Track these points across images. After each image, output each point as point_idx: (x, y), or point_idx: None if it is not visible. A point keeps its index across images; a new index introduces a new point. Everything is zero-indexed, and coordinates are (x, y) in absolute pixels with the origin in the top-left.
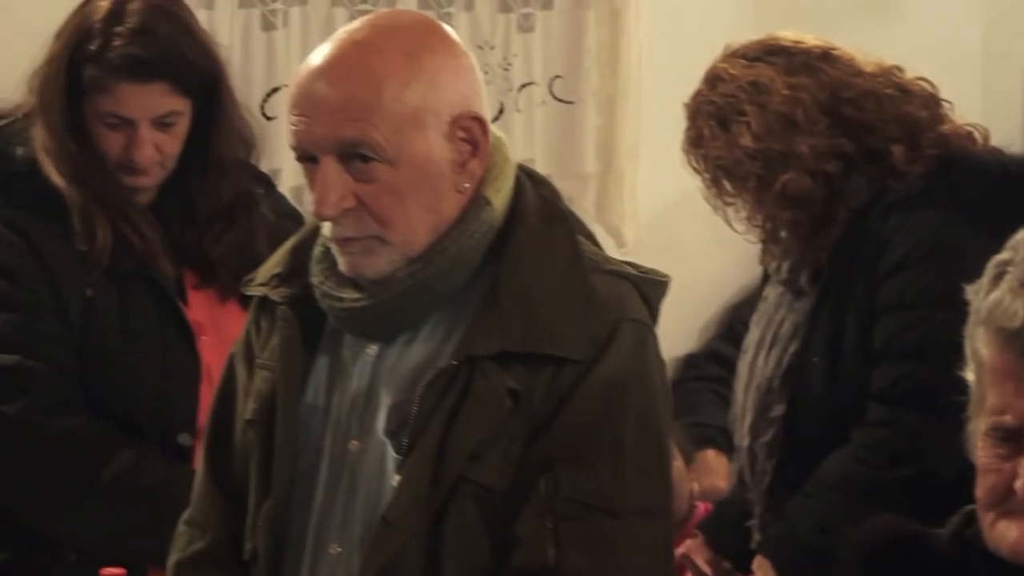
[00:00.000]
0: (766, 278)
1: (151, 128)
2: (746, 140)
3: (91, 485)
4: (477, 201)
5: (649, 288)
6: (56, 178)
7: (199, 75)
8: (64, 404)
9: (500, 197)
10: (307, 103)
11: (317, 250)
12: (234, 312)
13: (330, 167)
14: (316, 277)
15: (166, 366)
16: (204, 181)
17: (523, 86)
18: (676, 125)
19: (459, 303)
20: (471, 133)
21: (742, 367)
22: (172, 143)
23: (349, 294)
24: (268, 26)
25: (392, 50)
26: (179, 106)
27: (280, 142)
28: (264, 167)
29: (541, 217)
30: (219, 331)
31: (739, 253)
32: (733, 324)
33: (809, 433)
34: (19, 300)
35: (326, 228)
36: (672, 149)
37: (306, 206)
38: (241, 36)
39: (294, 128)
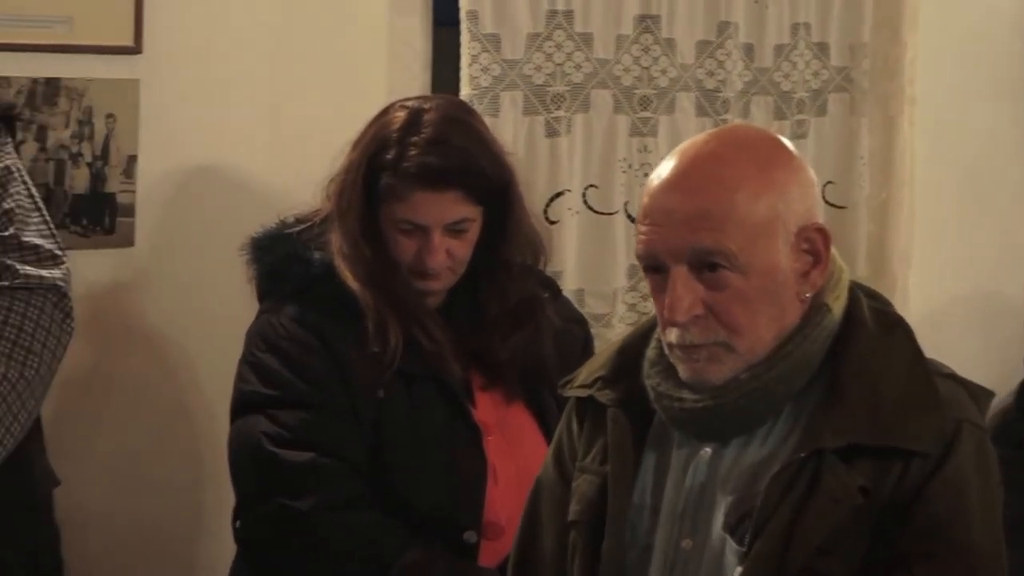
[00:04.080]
0: None
1: (443, 234)
2: None
3: None
4: (818, 309)
5: (982, 396)
6: (351, 282)
7: (491, 183)
8: (355, 500)
9: (838, 305)
10: (660, 213)
11: (651, 352)
12: (519, 413)
13: (681, 275)
14: (652, 379)
15: (453, 465)
16: (492, 285)
17: None
18: (949, 230)
19: (796, 406)
20: (814, 245)
21: None
22: (463, 248)
23: (689, 395)
24: (552, 133)
25: (744, 162)
26: (471, 213)
27: (562, 245)
28: (546, 270)
29: (879, 323)
30: (504, 431)
31: (1006, 355)
32: (1007, 425)
33: None
34: (315, 399)
35: (671, 335)
36: (944, 254)
37: (588, 309)
38: (525, 142)
39: (645, 237)
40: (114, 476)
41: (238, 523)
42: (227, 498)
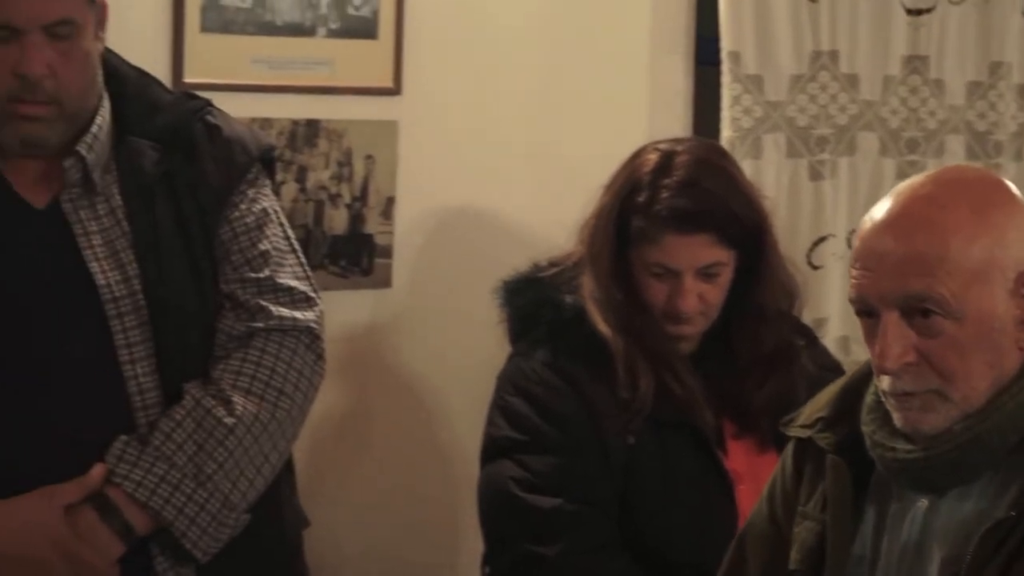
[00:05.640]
0: None
1: (695, 278)
2: None
3: None
4: None
5: None
6: (602, 326)
7: (743, 227)
8: (604, 547)
9: None
10: (871, 257)
11: (869, 398)
12: (772, 462)
13: (892, 321)
14: (868, 426)
15: (704, 514)
16: (745, 330)
17: None
18: None
19: (1015, 459)
20: None
21: None
22: (715, 293)
23: (902, 445)
24: (815, 176)
25: (958, 205)
26: (723, 257)
27: (826, 292)
28: (809, 316)
29: None
30: (757, 480)
31: None
32: None
33: None
34: (564, 445)
35: (884, 382)
36: None
37: (853, 357)
38: (788, 186)
39: (856, 281)
40: (367, 518)
41: (487, 568)
42: (481, 542)
